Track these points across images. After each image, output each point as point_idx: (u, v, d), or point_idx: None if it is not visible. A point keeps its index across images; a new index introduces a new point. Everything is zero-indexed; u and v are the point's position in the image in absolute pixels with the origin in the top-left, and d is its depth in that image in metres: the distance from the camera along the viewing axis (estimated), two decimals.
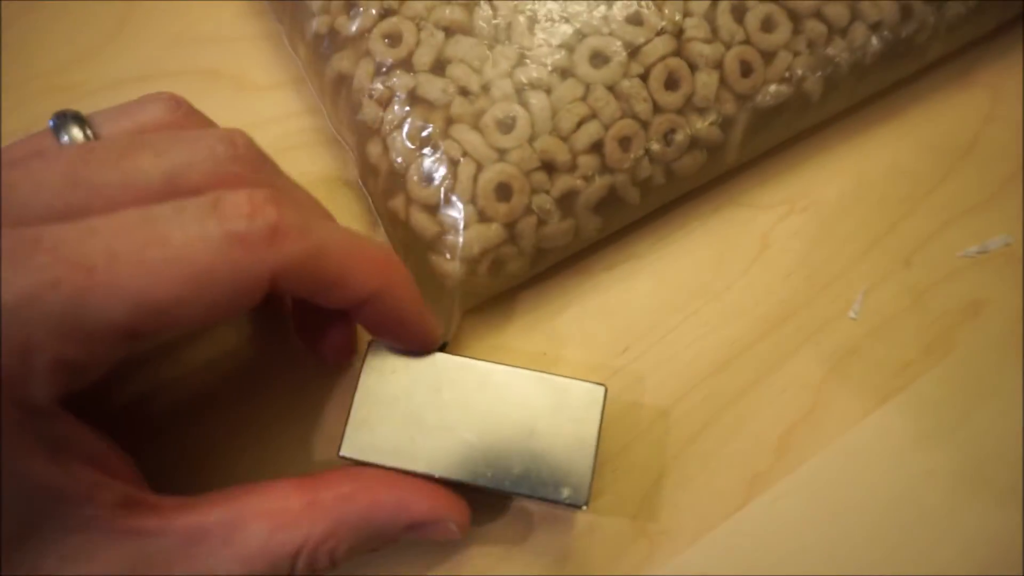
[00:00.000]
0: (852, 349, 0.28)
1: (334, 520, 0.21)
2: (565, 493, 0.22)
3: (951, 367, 0.28)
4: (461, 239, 0.24)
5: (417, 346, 0.24)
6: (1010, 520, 0.26)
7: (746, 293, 0.28)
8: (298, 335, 0.26)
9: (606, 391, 0.23)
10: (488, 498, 0.26)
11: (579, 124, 0.24)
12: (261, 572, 0.20)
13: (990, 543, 0.26)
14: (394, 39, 0.25)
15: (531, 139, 0.24)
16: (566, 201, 0.25)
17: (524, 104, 0.24)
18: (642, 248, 0.29)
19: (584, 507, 0.23)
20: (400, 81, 0.25)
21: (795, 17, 0.26)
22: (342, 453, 0.23)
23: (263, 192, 0.20)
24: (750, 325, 0.28)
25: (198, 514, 0.20)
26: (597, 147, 0.25)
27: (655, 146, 0.25)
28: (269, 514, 0.21)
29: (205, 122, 0.24)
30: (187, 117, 0.23)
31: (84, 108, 0.30)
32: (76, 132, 0.21)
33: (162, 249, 0.18)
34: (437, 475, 0.22)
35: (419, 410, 0.23)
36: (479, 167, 0.24)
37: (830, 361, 0.28)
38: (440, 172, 0.24)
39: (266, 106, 0.30)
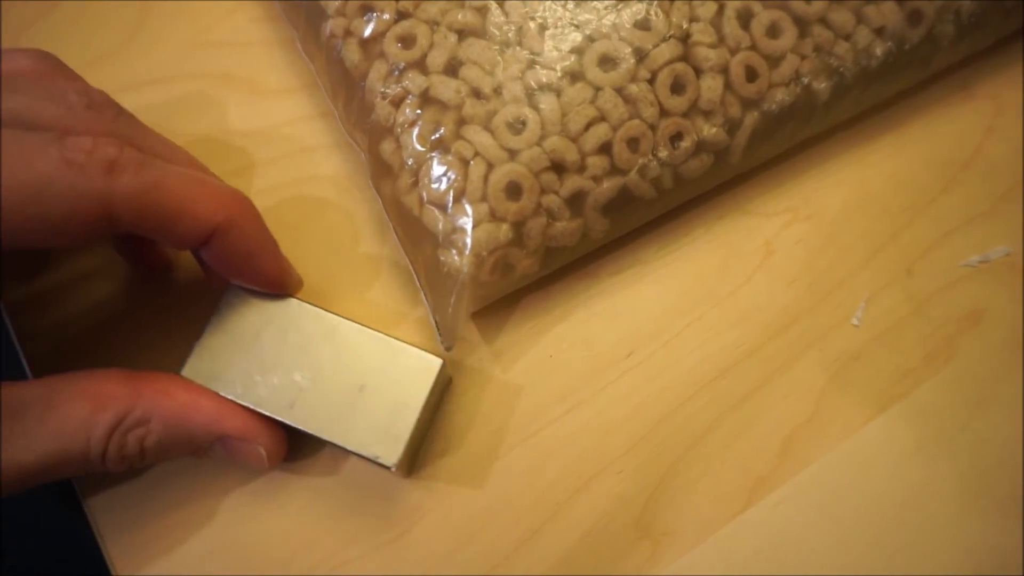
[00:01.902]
0: (854, 356, 0.28)
1: (149, 409, 0.22)
2: (378, 452, 0.23)
3: (952, 375, 0.28)
4: (471, 237, 0.24)
5: (270, 286, 0.24)
6: (1010, 527, 0.26)
7: (750, 299, 0.29)
8: (116, 248, 0.27)
9: (443, 365, 0.24)
10: (479, 510, 0.26)
11: (588, 126, 0.25)
12: (74, 451, 0.21)
13: (990, 549, 0.26)
14: (408, 42, 0.26)
15: (541, 140, 0.25)
16: (575, 201, 0.25)
17: (534, 106, 0.25)
18: (648, 254, 0.29)
19: (392, 469, 0.23)
20: (414, 82, 0.25)
21: (800, 23, 0.27)
22: (183, 373, 0.24)
23: (108, 138, 0.21)
24: (754, 331, 0.28)
25: (18, 390, 0.21)
26: (606, 148, 0.25)
27: (662, 148, 0.25)
28: (90, 395, 0.22)
29: (71, 75, 0.24)
30: (54, 68, 0.24)
31: None
32: None
33: (4, 160, 0.19)
34: (263, 412, 0.24)
35: (262, 349, 0.24)
36: (490, 167, 0.24)
37: (832, 367, 0.28)
38: (451, 171, 0.24)
39: (279, 110, 0.31)
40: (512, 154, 0.24)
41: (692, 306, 0.28)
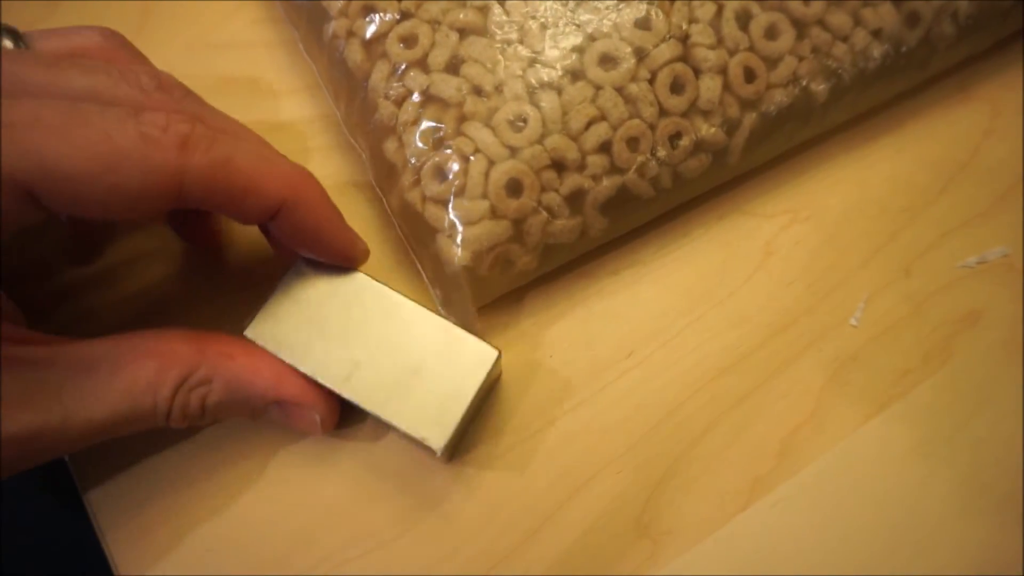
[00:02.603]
0: (853, 356, 0.28)
1: (212, 369, 0.23)
2: (424, 433, 0.24)
3: (949, 375, 0.28)
4: (471, 233, 0.24)
5: (338, 258, 0.25)
6: (1008, 527, 0.26)
7: (749, 300, 0.29)
8: (171, 225, 0.28)
9: (499, 356, 0.24)
10: (478, 508, 0.26)
11: (588, 124, 0.25)
12: (143, 408, 0.22)
13: (988, 549, 0.26)
14: (410, 41, 0.26)
15: (542, 138, 0.25)
16: (574, 199, 0.25)
17: (535, 104, 0.25)
18: (647, 254, 0.29)
19: (438, 454, 0.23)
20: (416, 81, 0.25)
21: (798, 24, 0.27)
22: (246, 333, 0.24)
23: (181, 115, 0.21)
24: (753, 331, 0.28)
25: (88, 347, 0.22)
26: (606, 147, 0.25)
27: (661, 148, 0.25)
28: (157, 353, 0.22)
29: (138, 56, 0.25)
30: (121, 47, 0.25)
31: None
32: (7, 42, 0.23)
33: (82, 127, 0.20)
34: (320, 381, 0.24)
35: (325, 319, 0.24)
36: (491, 164, 0.24)
37: (831, 367, 0.28)
38: (453, 168, 0.25)
39: (281, 111, 0.31)
40: (513, 151, 0.25)
41: (691, 306, 0.29)
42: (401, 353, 0.24)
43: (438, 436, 0.24)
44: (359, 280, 0.25)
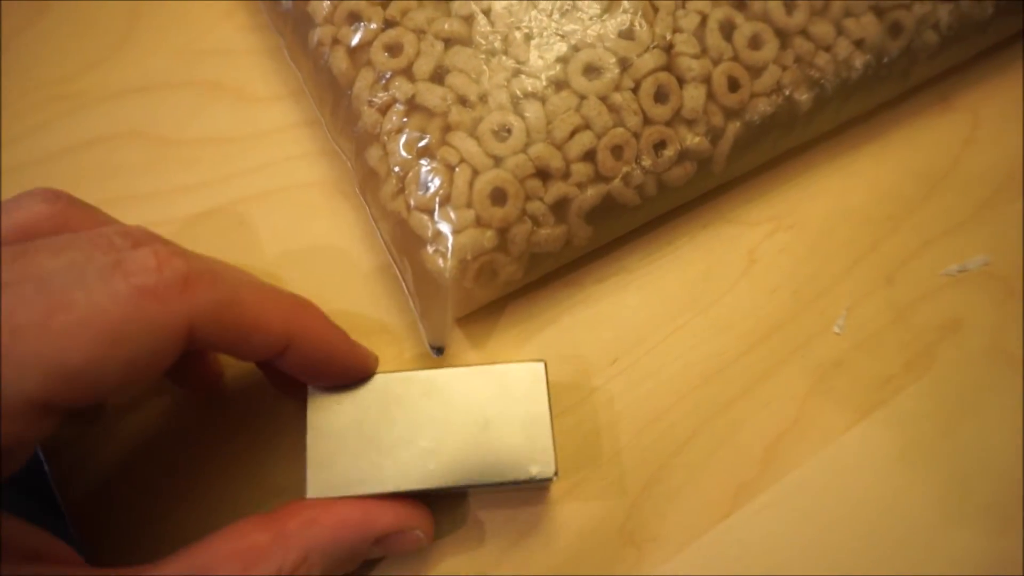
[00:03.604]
0: (836, 363, 0.28)
1: (303, 547, 0.21)
2: (534, 471, 0.23)
3: (932, 382, 0.28)
4: (456, 242, 0.24)
5: (351, 379, 0.24)
6: (989, 533, 0.26)
7: (733, 307, 0.29)
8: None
9: (546, 365, 0.24)
10: (465, 516, 0.26)
11: (572, 133, 0.25)
12: None
13: (969, 555, 0.26)
14: (395, 50, 0.26)
15: (526, 147, 0.25)
16: (559, 208, 0.25)
17: (520, 114, 0.25)
18: (632, 262, 0.29)
19: (554, 477, 0.23)
20: (400, 89, 0.25)
21: (782, 34, 0.27)
22: (309, 495, 0.23)
23: (166, 245, 0.19)
24: (737, 339, 0.28)
25: (165, 570, 0.20)
26: (590, 156, 0.25)
27: (646, 156, 0.26)
28: (238, 554, 0.20)
29: (93, 212, 0.22)
30: (69, 207, 0.22)
31: (87, 118, 0.31)
32: None
33: (68, 313, 0.17)
34: (407, 490, 0.23)
35: (373, 433, 0.23)
36: (475, 173, 0.25)
37: (815, 374, 0.28)
38: (437, 177, 0.25)
39: (266, 118, 0.31)
40: (497, 161, 0.25)
41: (676, 314, 0.29)
42: (462, 419, 0.23)
43: (545, 465, 0.23)
44: (379, 382, 0.24)
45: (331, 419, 0.23)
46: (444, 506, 0.26)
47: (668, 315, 0.29)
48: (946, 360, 0.28)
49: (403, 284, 0.28)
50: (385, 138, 0.26)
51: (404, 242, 0.26)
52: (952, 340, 0.29)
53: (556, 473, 0.23)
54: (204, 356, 0.26)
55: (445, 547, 0.26)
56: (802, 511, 0.26)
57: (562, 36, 0.26)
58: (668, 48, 0.26)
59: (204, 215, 0.29)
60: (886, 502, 0.27)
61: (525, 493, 0.26)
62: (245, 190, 0.30)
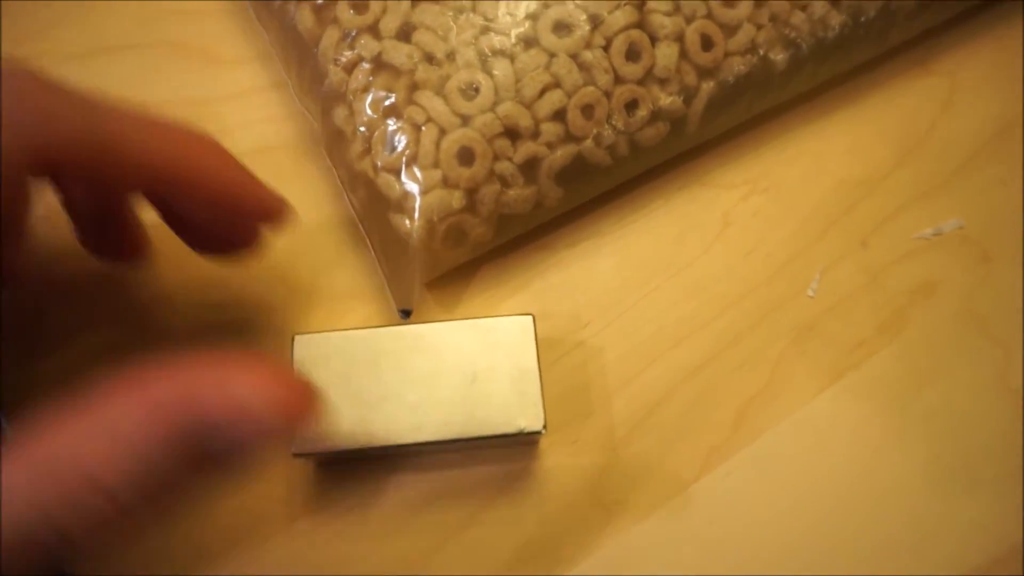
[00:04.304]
0: (809, 326, 0.28)
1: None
2: (522, 423, 0.23)
3: (904, 346, 0.28)
4: (423, 203, 0.24)
5: (257, 215, 0.22)
6: (959, 496, 0.26)
7: (707, 270, 0.29)
8: (82, 243, 0.24)
9: (534, 319, 0.24)
10: (437, 478, 0.26)
11: (542, 91, 0.25)
12: None
13: (939, 519, 0.26)
14: (360, 7, 0.25)
15: (494, 106, 0.24)
16: (528, 168, 0.25)
17: (488, 72, 0.24)
18: (605, 226, 0.29)
19: (542, 431, 0.23)
20: (366, 47, 0.25)
21: None
22: (294, 451, 0.23)
23: (35, 77, 0.19)
24: (710, 301, 0.28)
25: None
26: (560, 115, 0.25)
27: (617, 116, 0.25)
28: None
29: None
30: None
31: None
32: None
33: None
34: (396, 444, 0.23)
35: (361, 388, 0.23)
36: (442, 132, 0.24)
37: (787, 337, 0.28)
38: (403, 137, 0.24)
39: (233, 80, 0.30)
40: (465, 120, 0.24)
41: (649, 277, 0.28)
42: (450, 373, 0.23)
43: (533, 418, 0.23)
44: (366, 335, 0.24)
45: (318, 373, 0.23)
46: (423, 464, 0.26)
47: (641, 278, 0.28)
48: (918, 324, 0.28)
49: (370, 246, 0.27)
50: (351, 97, 0.25)
51: (371, 204, 0.26)
52: (925, 304, 0.29)
53: (545, 427, 0.23)
54: (124, 221, 0.24)
55: (407, 511, 0.25)
56: (773, 475, 0.26)
57: None
58: (640, 5, 0.25)
59: None
60: (857, 466, 0.27)
61: (511, 449, 0.26)
62: None
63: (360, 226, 0.27)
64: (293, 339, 0.24)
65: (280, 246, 0.28)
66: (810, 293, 0.29)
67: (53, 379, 0.26)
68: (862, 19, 0.28)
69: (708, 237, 0.29)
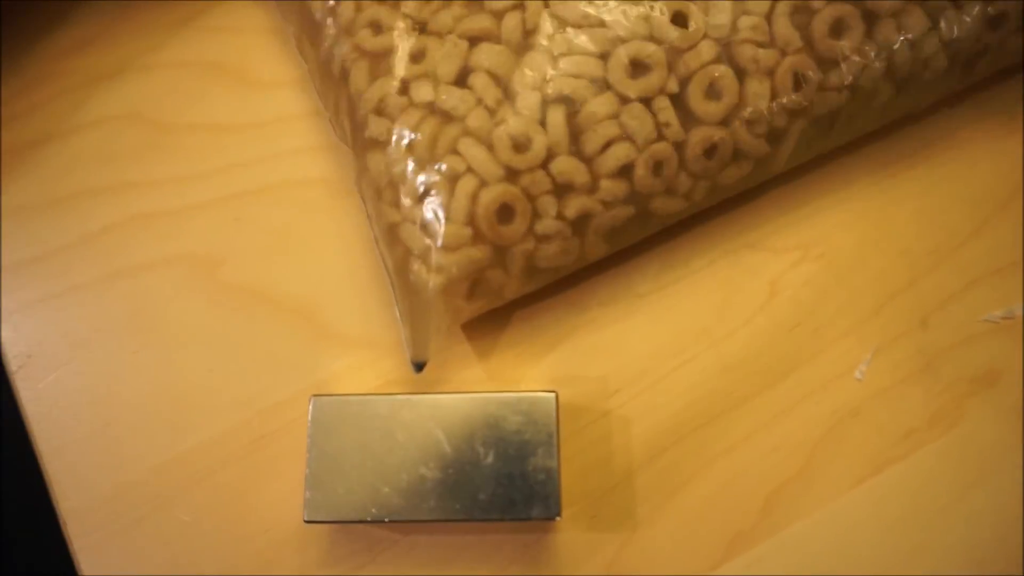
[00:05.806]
0: (853, 412, 0.26)
1: None
2: (536, 510, 0.22)
3: (956, 440, 0.26)
4: (445, 258, 0.23)
5: None
6: None
7: (748, 343, 0.27)
8: None
9: (556, 397, 0.23)
10: (451, 543, 0.25)
11: (607, 145, 0.23)
12: None
13: None
14: (418, 57, 0.24)
15: (547, 161, 0.23)
16: (576, 223, 0.24)
17: (544, 119, 0.23)
18: (642, 283, 0.28)
19: (557, 518, 0.22)
20: (417, 92, 0.24)
21: (869, 19, 0.24)
22: (306, 518, 0.22)
23: None
24: (748, 377, 0.27)
25: None
26: (626, 171, 0.23)
27: (694, 162, 0.23)
28: None
29: None
30: None
31: (84, 96, 0.29)
32: None
33: None
34: (405, 520, 0.22)
35: (375, 458, 0.23)
36: (482, 184, 0.23)
37: (828, 422, 0.26)
38: (437, 190, 0.23)
39: (269, 106, 0.29)
40: (510, 173, 0.23)
41: (684, 346, 0.27)
42: (466, 448, 0.23)
43: (549, 507, 0.22)
44: (385, 403, 0.23)
45: (333, 440, 0.23)
46: (438, 527, 0.25)
47: (676, 347, 0.27)
48: (975, 417, 0.26)
49: (393, 292, 0.26)
50: (391, 148, 0.24)
51: (394, 251, 0.24)
52: (985, 395, 0.26)
53: (559, 515, 0.22)
54: None
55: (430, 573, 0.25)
56: (799, 568, 0.25)
57: (601, 22, 0.23)
58: (725, 38, 0.23)
59: (198, 207, 0.28)
60: (889, 568, 0.25)
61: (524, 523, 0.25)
62: (244, 184, 0.29)
63: (385, 271, 0.27)
64: (311, 401, 0.23)
65: (306, 289, 0.27)
66: (858, 375, 0.27)
67: None
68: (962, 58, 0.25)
69: (752, 306, 0.27)
